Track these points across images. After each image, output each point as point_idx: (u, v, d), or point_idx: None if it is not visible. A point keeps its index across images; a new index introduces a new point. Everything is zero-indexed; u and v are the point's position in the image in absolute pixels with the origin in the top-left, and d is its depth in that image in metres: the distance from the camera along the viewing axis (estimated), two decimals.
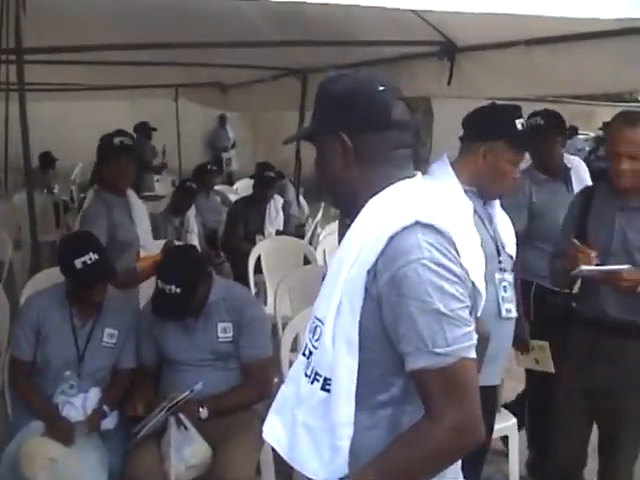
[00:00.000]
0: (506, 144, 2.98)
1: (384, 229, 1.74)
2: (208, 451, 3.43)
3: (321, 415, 1.83)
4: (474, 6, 2.61)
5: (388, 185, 1.84)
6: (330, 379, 1.81)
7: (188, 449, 3.37)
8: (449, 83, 5.37)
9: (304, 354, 1.94)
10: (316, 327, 1.88)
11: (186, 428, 3.40)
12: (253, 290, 6.14)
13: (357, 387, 1.78)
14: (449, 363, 1.68)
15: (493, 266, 2.98)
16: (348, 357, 1.77)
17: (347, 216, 1.87)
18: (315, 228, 8.09)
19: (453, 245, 1.75)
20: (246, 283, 6.01)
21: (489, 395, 3.15)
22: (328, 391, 1.81)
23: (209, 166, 8.51)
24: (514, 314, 3.10)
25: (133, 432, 3.46)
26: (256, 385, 3.65)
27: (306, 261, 6.32)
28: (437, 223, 1.74)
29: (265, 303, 6.01)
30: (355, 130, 1.85)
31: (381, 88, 1.85)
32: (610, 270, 3.16)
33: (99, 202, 4.51)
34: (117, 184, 4.58)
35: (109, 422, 3.62)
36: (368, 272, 1.74)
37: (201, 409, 3.47)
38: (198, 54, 6.63)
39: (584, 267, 3.13)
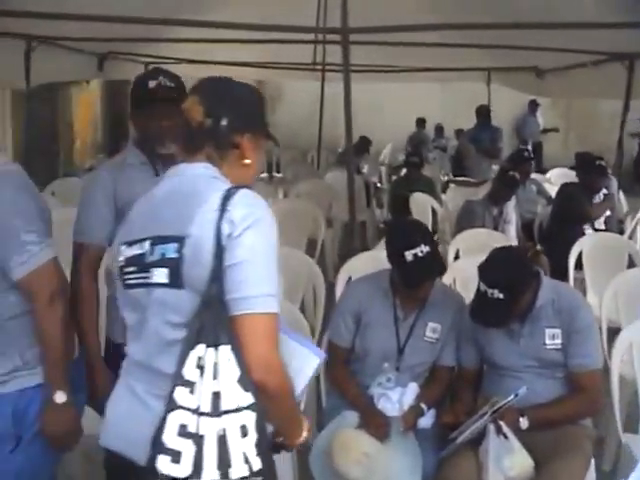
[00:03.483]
0: None
1: None
2: (530, 464, 3.09)
3: None
4: None
5: None
6: None
7: (507, 460, 3.06)
8: None
9: None
10: None
11: (506, 437, 3.08)
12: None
13: None
14: None
15: None
16: None
17: None
18: (636, 225, 7.45)
19: None
20: (564, 278, 5.66)
21: None
22: None
23: (526, 153, 8.07)
24: None
25: (450, 438, 3.21)
26: (585, 398, 3.28)
27: (630, 261, 5.76)
28: None
29: None
30: None
31: None
32: None
33: None
34: None
35: (426, 421, 3.43)
36: None
37: (521, 418, 3.16)
38: (512, 36, 6.30)
39: None
